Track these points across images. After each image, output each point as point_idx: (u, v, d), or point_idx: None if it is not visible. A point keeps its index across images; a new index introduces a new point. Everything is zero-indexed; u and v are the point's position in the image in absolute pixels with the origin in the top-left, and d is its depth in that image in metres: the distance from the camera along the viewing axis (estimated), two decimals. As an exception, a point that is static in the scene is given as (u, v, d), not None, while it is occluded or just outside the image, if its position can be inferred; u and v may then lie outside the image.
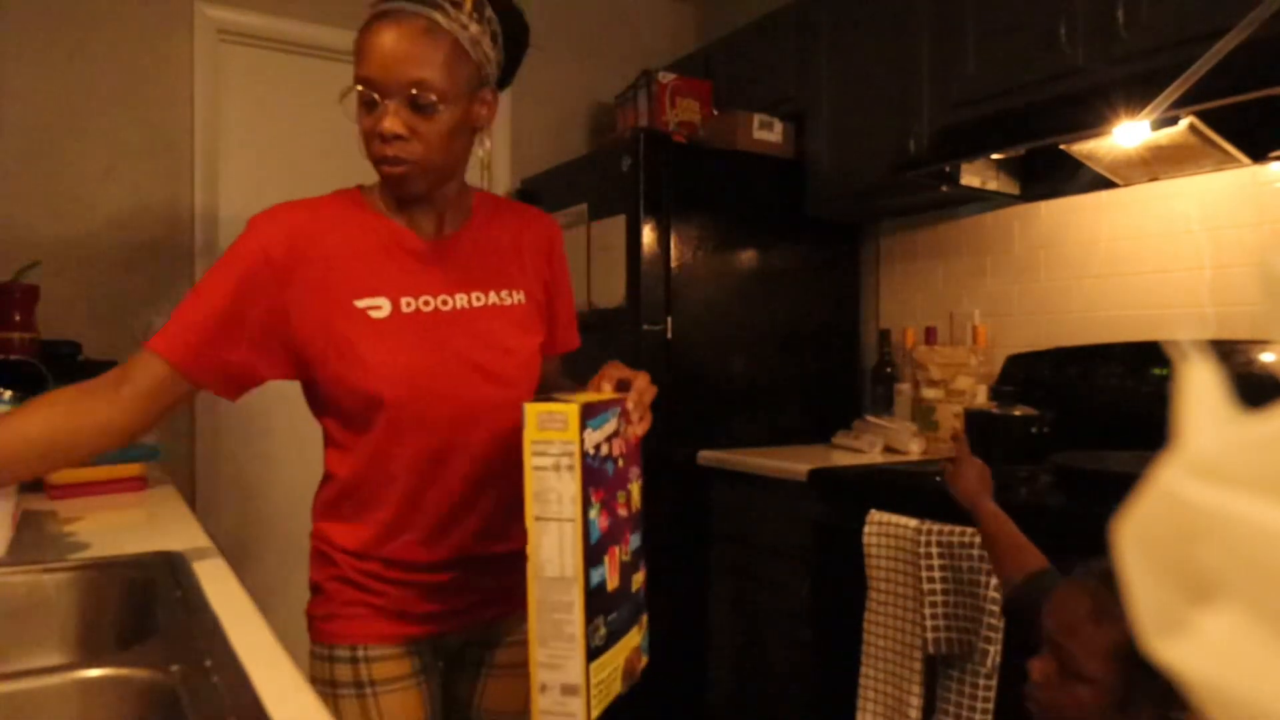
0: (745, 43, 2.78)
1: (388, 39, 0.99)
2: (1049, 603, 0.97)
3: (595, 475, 0.91)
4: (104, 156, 2.44)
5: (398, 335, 1.07)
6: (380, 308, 1.07)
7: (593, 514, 0.89)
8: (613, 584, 0.95)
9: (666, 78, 2.70)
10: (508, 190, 3.02)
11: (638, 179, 2.32)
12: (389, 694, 1.09)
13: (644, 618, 1.08)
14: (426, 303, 1.09)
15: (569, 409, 0.86)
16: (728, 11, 3.22)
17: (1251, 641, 0.22)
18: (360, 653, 1.09)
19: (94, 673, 0.71)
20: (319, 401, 1.12)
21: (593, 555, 0.89)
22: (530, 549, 0.88)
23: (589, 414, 0.89)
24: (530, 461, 0.88)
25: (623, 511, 0.99)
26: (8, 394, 1.57)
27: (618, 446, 0.99)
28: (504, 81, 1.14)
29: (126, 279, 2.40)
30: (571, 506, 0.87)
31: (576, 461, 0.86)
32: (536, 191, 2.86)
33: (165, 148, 2.52)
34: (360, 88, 1.01)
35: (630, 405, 1.03)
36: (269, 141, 2.67)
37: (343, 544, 1.11)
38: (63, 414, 0.99)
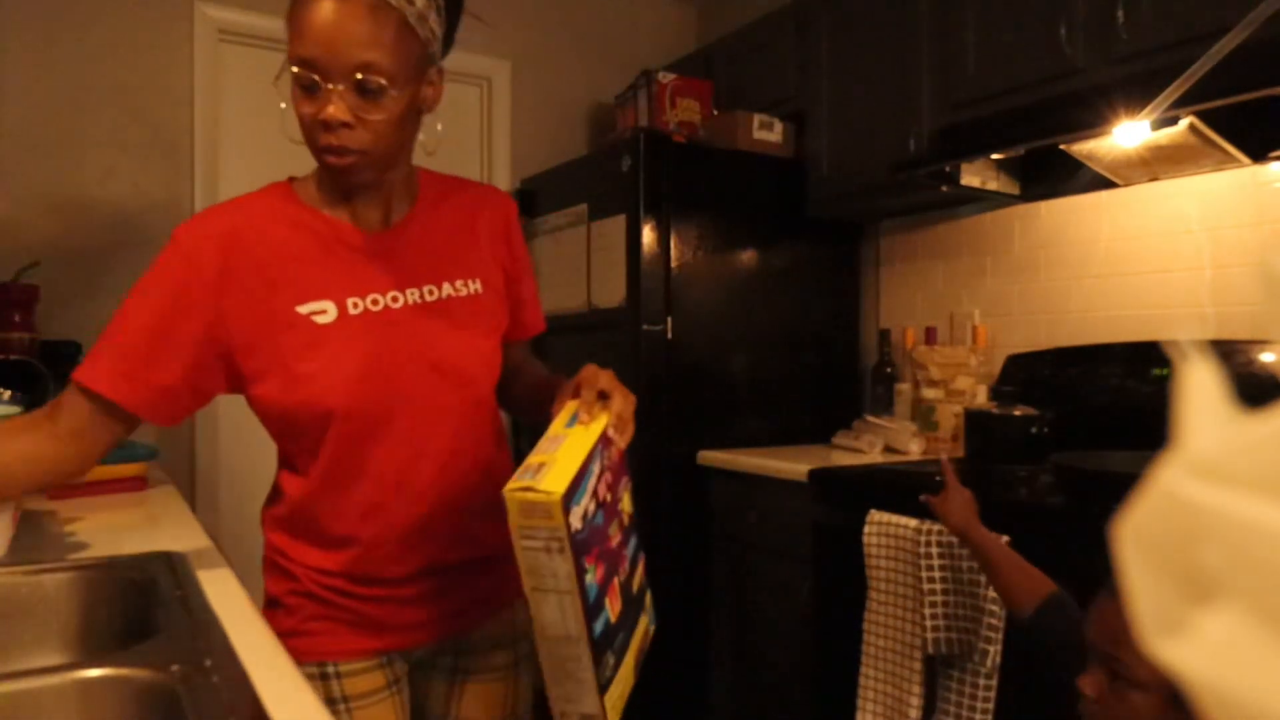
0: (745, 43, 2.78)
1: (330, 15, 0.89)
2: (1090, 618, 0.97)
3: (587, 542, 0.88)
4: (104, 156, 2.44)
5: (346, 340, 0.99)
6: (325, 312, 0.99)
7: (589, 578, 0.87)
8: (615, 612, 0.94)
9: (666, 78, 2.70)
10: (507, 190, 3.02)
11: (638, 179, 2.32)
12: (363, 709, 1.04)
13: (647, 597, 1.06)
14: (375, 302, 1.02)
15: (551, 501, 0.83)
16: (728, 11, 3.22)
17: (1251, 641, 0.22)
18: (330, 669, 1.04)
19: (94, 673, 0.71)
20: (263, 416, 1.04)
21: (593, 610, 0.88)
22: (532, 612, 0.87)
23: (572, 491, 0.86)
24: (519, 544, 0.85)
25: (616, 540, 0.97)
26: (7, 394, 1.57)
27: (604, 484, 0.95)
28: (443, 52, 1.05)
29: (126, 279, 2.39)
30: (567, 581, 0.85)
31: (565, 545, 0.84)
32: (536, 191, 2.86)
33: (165, 147, 2.52)
34: (297, 69, 0.92)
35: (612, 432, 0.96)
36: (269, 141, 2.66)
37: (304, 560, 1.05)
38: (15, 447, 0.93)
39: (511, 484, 0.84)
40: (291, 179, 1.08)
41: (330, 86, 0.92)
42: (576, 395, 0.98)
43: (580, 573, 0.86)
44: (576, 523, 0.86)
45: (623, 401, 0.98)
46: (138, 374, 0.95)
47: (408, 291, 1.05)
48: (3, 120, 2.31)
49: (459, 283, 1.09)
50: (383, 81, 0.92)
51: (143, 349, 0.95)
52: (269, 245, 1.00)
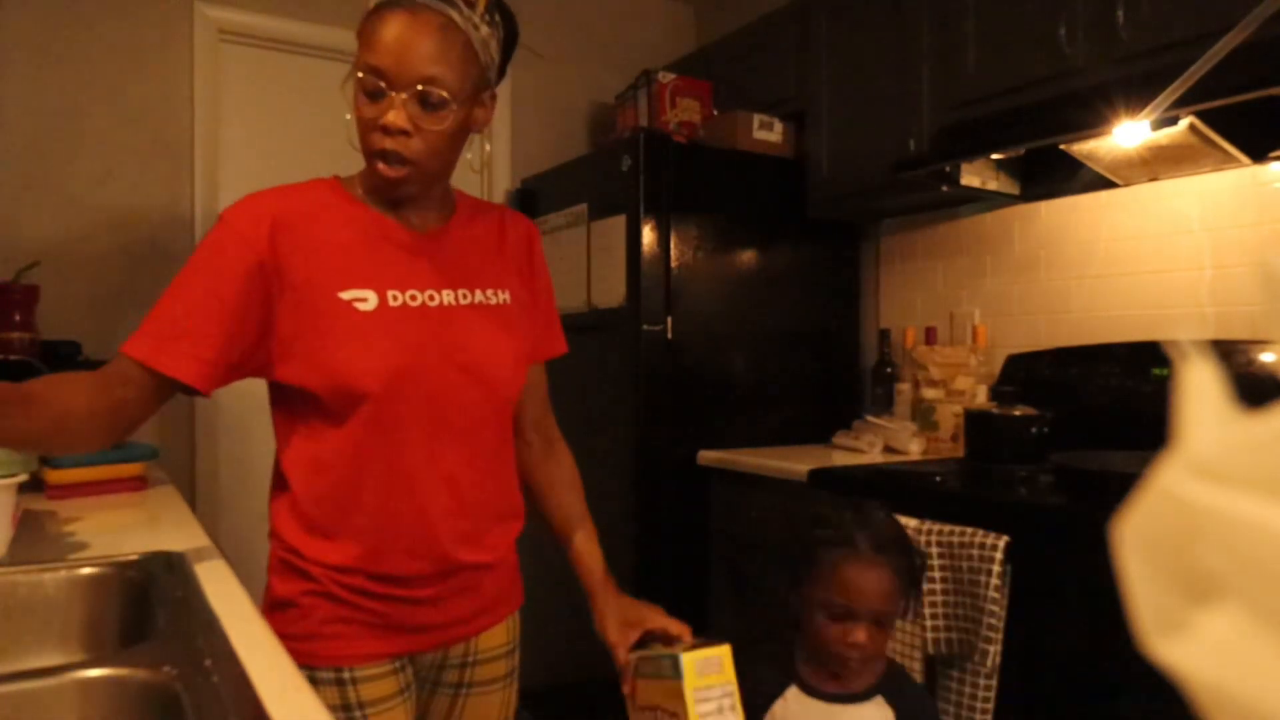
0: (745, 43, 2.78)
1: (403, 30, 0.96)
2: (835, 584, 1.18)
3: None
4: (103, 157, 2.44)
5: (385, 329, 1.02)
6: (366, 300, 1.02)
7: None
8: None
9: (666, 78, 2.70)
10: (508, 190, 3.02)
11: (638, 179, 2.32)
12: (378, 715, 1.04)
13: None
14: (414, 297, 1.05)
15: (722, 651, 0.90)
16: (728, 11, 3.22)
17: (1251, 641, 0.22)
18: (347, 674, 1.03)
19: (94, 673, 0.71)
20: (290, 400, 1.06)
21: None
22: None
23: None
24: (694, 710, 0.90)
25: None
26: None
27: None
28: (496, 80, 1.11)
29: (126, 279, 2.40)
30: None
31: (737, 700, 0.90)
32: (536, 191, 2.86)
33: (165, 148, 2.52)
34: (363, 75, 0.97)
35: None
36: (269, 141, 2.67)
37: (321, 558, 1.04)
38: (98, 398, 0.96)
39: (682, 650, 0.92)
40: (338, 177, 1.12)
41: (394, 94, 0.97)
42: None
43: None
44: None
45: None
46: (177, 344, 0.98)
47: (444, 292, 1.08)
48: (3, 120, 2.31)
49: (490, 291, 1.13)
50: (444, 95, 0.98)
51: (192, 322, 0.98)
52: (316, 231, 1.04)
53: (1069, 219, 2.17)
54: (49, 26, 2.37)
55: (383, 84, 0.97)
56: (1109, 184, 2.03)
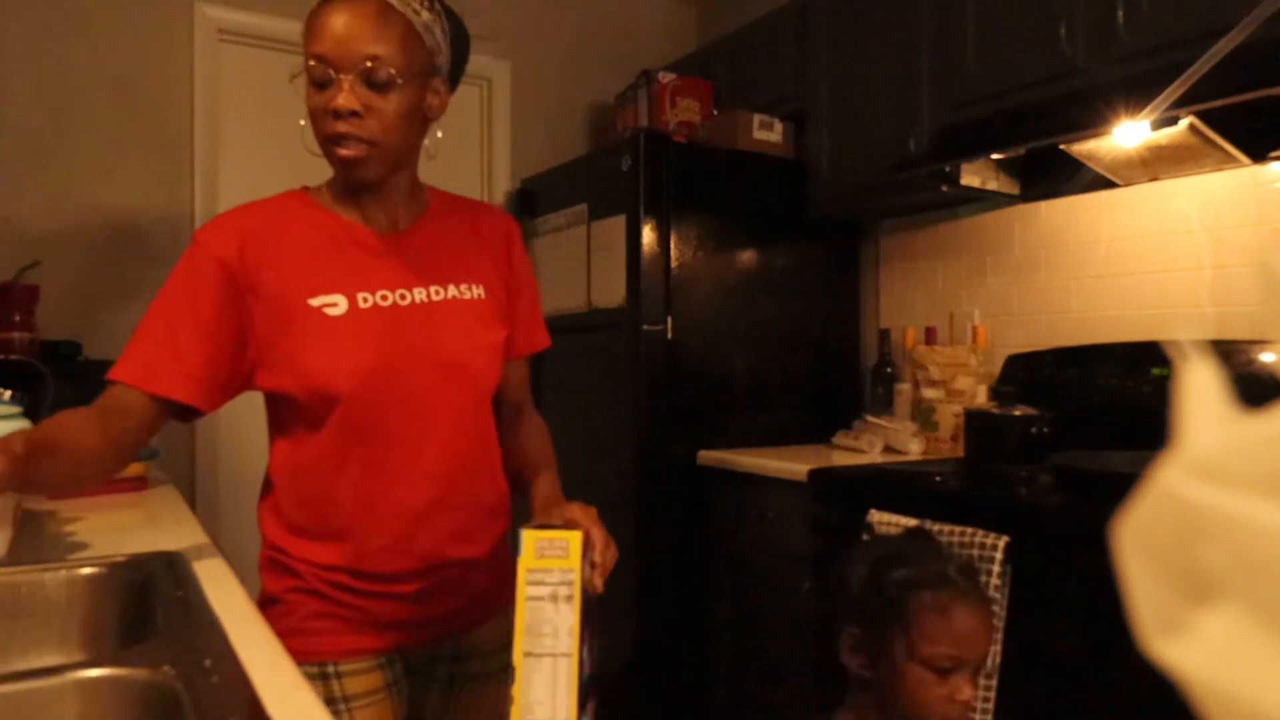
0: (745, 43, 2.78)
1: (345, 17, 0.99)
2: (948, 632, 1.02)
3: (589, 609, 0.83)
4: (104, 156, 2.44)
5: (356, 332, 1.04)
6: (336, 304, 1.04)
7: (584, 652, 0.82)
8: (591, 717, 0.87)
9: (666, 78, 2.70)
10: (508, 190, 3.02)
11: (638, 179, 2.32)
12: (363, 709, 1.05)
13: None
14: (384, 297, 1.07)
15: (572, 535, 0.81)
16: (727, 11, 3.22)
17: (1251, 641, 0.22)
18: (330, 669, 1.04)
19: (94, 673, 0.71)
20: (276, 406, 1.08)
21: (582, 698, 0.81)
22: (516, 689, 0.79)
23: (585, 551, 0.82)
24: (524, 592, 0.80)
25: (590, 660, 0.90)
26: (7, 394, 1.57)
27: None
28: (453, 82, 1.13)
29: (127, 279, 2.40)
30: (568, 640, 0.80)
31: (576, 591, 0.80)
32: (536, 191, 2.86)
33: (165, 148, 2.52)
34: (312, 63, 1.00)
35: (596, 566, 0.92)
36: (269, 141, 2.67)
37: (305, 555, 1.06)
38: (103, 436, 0.99)
39: (528, 526, 0.82)
40: (305, 187, 1.13)
41: (341, 77, 0.99)
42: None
43: (582, 637, 0.80)
44: (587, 577, 0.82)
45: (606, 549, 0.95)
46: (168, 365, 1.00)
47: (415, 290, 1.09)
48: (3, 120, 2.31)
49: (464, 286, 1.14)
50: (391, 71, 0.99)
51: (178, 343, 1.01)
52: (283, 242, 1.05)
53: (1069, 219, 2.17)
54: (49, 26, 2.37)
55: (330, 70, 0.99)
56: (1109, 184, 2.03)
